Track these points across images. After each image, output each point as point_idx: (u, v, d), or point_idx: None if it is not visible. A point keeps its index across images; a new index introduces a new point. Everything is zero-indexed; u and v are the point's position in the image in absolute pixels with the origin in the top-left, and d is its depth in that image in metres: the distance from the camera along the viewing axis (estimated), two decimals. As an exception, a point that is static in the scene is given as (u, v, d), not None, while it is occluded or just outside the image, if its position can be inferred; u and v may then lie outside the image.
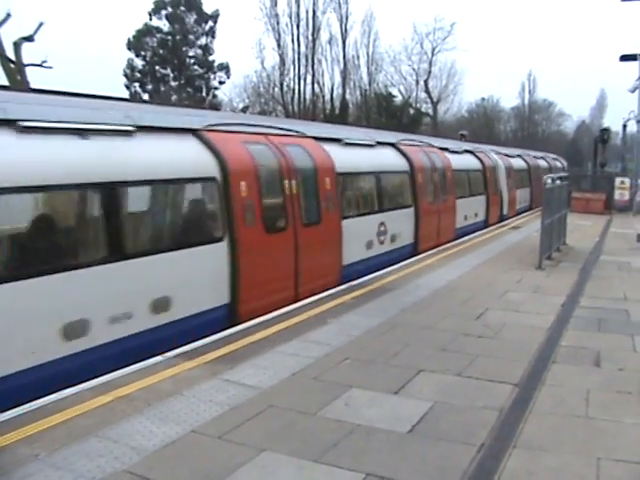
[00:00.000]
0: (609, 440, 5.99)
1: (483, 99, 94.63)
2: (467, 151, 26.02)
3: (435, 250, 17.70)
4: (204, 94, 60.17)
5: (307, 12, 61.53)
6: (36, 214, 8.12)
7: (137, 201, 9.53)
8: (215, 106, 56.51)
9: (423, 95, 77.34)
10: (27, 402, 6.54)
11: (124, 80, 58.05)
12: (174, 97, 57.43)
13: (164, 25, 58.77)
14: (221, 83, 61.90)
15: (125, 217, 8.93)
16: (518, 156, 36.24)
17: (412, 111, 69.42)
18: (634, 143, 42.03)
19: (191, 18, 59.62)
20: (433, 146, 21.85)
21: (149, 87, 58.40)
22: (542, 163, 43.01)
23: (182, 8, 58.71)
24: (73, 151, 8.27)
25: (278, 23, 61.46)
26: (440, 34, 76.22)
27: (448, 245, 18.82)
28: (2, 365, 6.98)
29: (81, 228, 8.70)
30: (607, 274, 14.68)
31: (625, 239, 21.46)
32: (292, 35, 61.54)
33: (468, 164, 24.99)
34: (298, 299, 11.70)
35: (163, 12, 58.48)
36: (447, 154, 22.57)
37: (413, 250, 17.73)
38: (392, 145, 18.52)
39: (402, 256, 16.57)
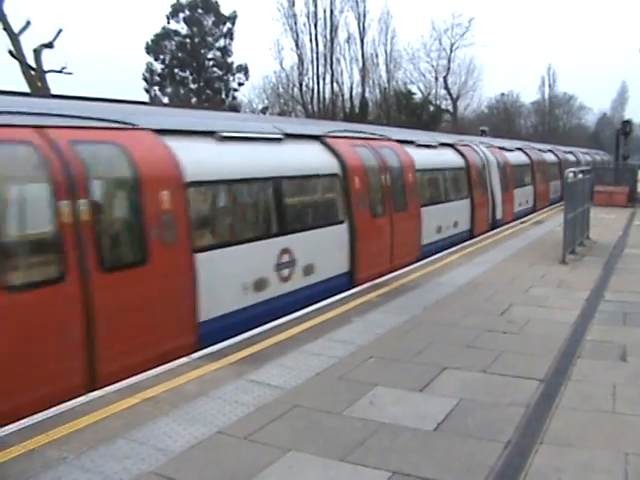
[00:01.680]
0: (637, 435, 5.95)
1: (503, 94, 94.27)
2: (445, 144, 21.91)
3: (459, 246, 17.64)
4: (223, 96, 60.29)
5: (325, 11, 61.56)
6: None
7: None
8: (235, 108, 56.63)
9: (442, 92, 77.29)
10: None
11: (143, 84, 58.36)
12: (194, 99, 57.62)
13: (182, 28, 59.01)
14: (240, 84, 62.03)
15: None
16: (549, 151, 36.34)
17: (432, 108, 69.13)
18: (657, 135, 41.63)
19: (209, 20, 59.77)
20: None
21: (168, 90, 58.59)
22: (571, 157, 42.74)
23: (200, 11, 58.89)
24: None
25: (296, 23, 61.53)
26: (458, 30, 76.21)
27: (470, 242, 18.72)
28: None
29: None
30: (632, 267, 14.56)
31: (649, 232, 21.27)
32: (310, 35, 61.58)
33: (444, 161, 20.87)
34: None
35: (181, 15, 58.68)
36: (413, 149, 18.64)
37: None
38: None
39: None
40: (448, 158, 20.41)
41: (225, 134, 10.75)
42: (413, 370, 7.77)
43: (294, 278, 11.48)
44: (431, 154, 19.08)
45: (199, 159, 9.78)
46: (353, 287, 12.53)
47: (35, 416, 6.31)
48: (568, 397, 6.87)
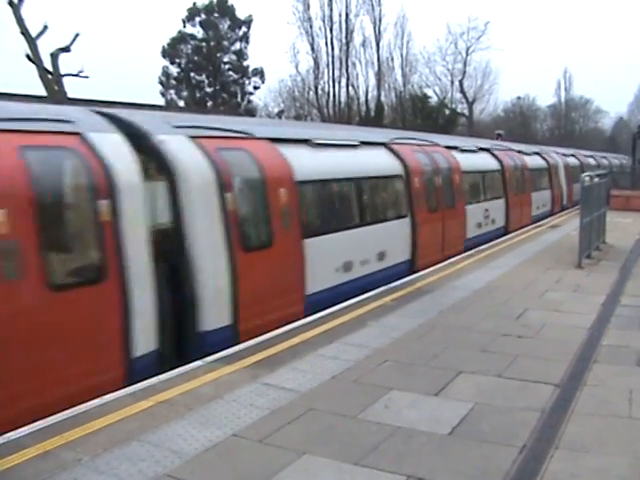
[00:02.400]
0: (653, 440, 5.92)
1: (519, 98, 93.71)
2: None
3: (474, 251, 17.62)
4: (239, 99, 60.38)
5: (340, 15, 61.40)
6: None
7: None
8: (250, 111, 56.74)
9: (458, 95, 76.90)
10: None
11: (159, 87, 58.54)
12: (209, 103, 57.76)
13: (198, 32, 59.01)
14: (256, 88, 61.95)
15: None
16: (572, 155, 37.86)
17: (447, 112, 68.95)
18: (674, 139, 41.29)
19: (225, 24, 59.81)
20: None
21: (184, 94, 58.75)
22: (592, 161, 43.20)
23: (216, 15, 58.92)
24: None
25: (311, 27, 61.43)
26: (474, 33, 75.69)
27: (486, 246, 18.70)
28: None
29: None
30: (648, 272, 14.44)
31: (667, 236, 21.12)
32: (326, 38, 61.45)
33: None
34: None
35: (197, 19, 58.73)
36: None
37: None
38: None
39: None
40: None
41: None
42: (428, 374, 7.76)
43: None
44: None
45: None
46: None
47: (49, 418, 6.35)
48: (584, 402, 6.84)
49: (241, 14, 60.25)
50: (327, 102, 62.16)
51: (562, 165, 29.22)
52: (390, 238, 14.62)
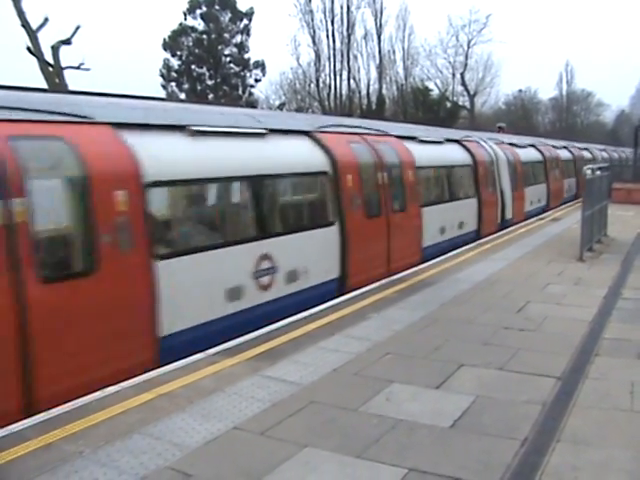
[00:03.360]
0: (656, 433, 5.91)
1: (520, 91, 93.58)
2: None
3: (476, 243, 17.60)
4: (240, 92, 60.27)
5: (341, 8, 61.50)
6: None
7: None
8: (252, 104, 56.64)
9: (460, 88, 76.99)
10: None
11: (160, 80, 58.44)
12: (211, 96, 57.67)
13: (199, 24, 58.87)
14: (257, 81, 61.84)
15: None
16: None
17: (449, 105, 68.86)
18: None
19: (226, 17, 59.67)
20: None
21: (185, 86, 58.63)
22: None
23: (217, 7, 58.76)
24: (430, 151, 17.43)
25: (313, 19, 61.54)
26: (476, 26, 75.79)
27: (488, 239, 18.67)
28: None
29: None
30: (650, 265, 14.44)
31: (668, 229, 21.10)
32: (327, 31, 61.58)
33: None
34: (387, 276, 13.44)
35: (198, 11, 58.58)
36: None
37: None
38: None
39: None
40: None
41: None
42: (430, 367, 7.76)
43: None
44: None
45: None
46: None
47: (51, 410, 6.35)
48: (585, 395, 6.83)
49: (242, 6, 60.16)
50: (328, 95, 62.28)
51: (504, 160, 23.56)
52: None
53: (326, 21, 61.41)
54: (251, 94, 61.51)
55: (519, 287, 12.08)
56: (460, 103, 75.50)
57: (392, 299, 11.14)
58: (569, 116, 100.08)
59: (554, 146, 33.06)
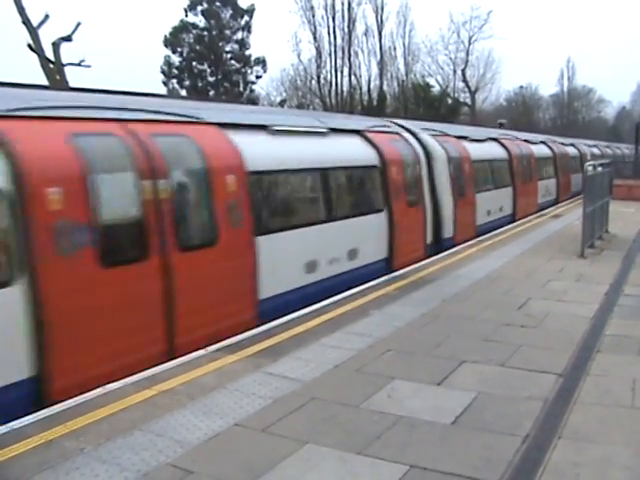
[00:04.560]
0: (657, 430, 5.90)
1: (521, 87, 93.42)
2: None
3: (476, 240, 17.60)
4: (241, 89, 60.25)
5: (342, 4, 61.08)
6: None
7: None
8: (253, 101, 56.61)
9: (461, 85, 76.78)
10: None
11: (161, 77, 58.42)
12: (212, 92, 57.66)
13: (200, 21, 58.82)
14: (258, 77, 61.82)
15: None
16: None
17: (450, 101, 68.75)
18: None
19: (227, 13, 59.62)
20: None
21: (186, 83, 58.61)
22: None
23: (218, 4, 58.71)
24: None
25: (314, 16, 61.20)
26: (477, 22, 75.49)
27: (488, 235, 18.67)
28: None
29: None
30: (651, 262, 14.42)
31: (669, 226, 21.07)
32: (328, 28, 61.21)
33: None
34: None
35: (199, 8, 58.53)
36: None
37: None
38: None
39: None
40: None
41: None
42: (431, 363, 7.76)
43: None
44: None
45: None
46: (385, 274, 13.06)
47: (53, 407, 6.36)
48: (587, 392, 6.83)
49: (243, 3, 60.12)
50: (329, 91, 61.99)
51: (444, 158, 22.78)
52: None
53: (327, 17, 61.11)
54: (252, 91, 61.54)
55: (520, 284, 12.07)
56: (461, 99, 75.35)
57: (393, 296, 11.14)
58: (570, 112, 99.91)
59: (562, 143, 33.76)
